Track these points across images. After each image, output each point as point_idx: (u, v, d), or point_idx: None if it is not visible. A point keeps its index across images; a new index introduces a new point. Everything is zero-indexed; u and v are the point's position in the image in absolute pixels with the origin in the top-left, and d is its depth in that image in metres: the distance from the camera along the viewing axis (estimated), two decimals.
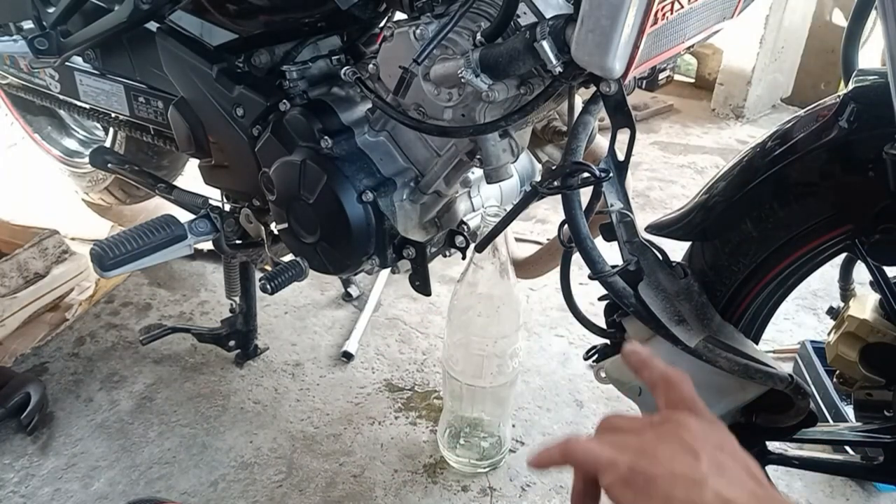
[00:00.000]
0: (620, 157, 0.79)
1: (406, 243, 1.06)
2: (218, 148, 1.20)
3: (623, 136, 0.77)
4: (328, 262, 1.08)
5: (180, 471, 1.27)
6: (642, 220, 0.82)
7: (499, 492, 1.25)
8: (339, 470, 1.29)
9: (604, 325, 0.90)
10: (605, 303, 0.88)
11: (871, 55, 2.08)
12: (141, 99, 1.31)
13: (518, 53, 0.77)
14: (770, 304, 0.87)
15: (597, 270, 0.75)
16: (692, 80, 3.08)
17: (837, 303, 1.12)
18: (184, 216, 1.25)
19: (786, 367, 0.75)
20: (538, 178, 1.06)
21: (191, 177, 1.73)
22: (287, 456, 1.31)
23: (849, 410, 1.24)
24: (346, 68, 0.98)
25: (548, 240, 1.39)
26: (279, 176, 1.06)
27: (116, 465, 1.28)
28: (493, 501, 1.24)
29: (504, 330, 1.15)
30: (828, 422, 1.26)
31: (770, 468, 0.96)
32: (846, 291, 1.10)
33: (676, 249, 0.86)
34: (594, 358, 0.89)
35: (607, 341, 0.90)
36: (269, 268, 1.20)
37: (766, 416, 0.79)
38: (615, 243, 0.80)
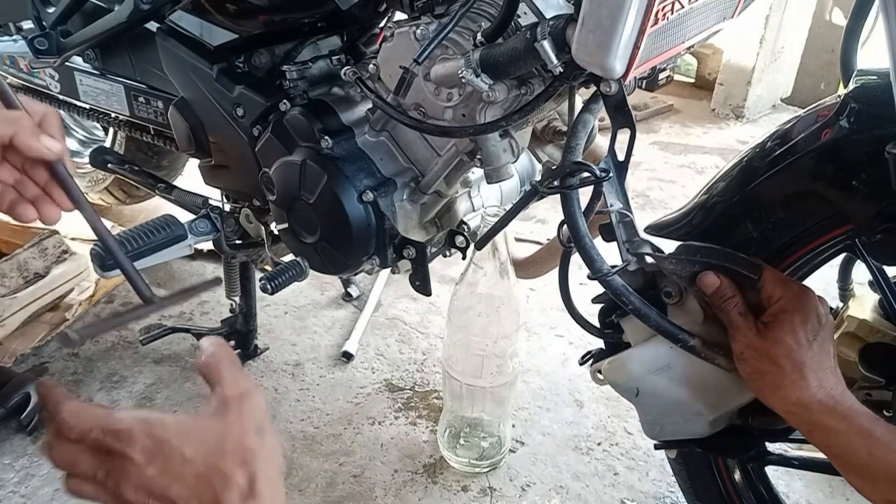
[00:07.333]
0: (620, 157, 0.79)
1: (406, 243, 1.06)
2: (218, 148, 1.20)
3: (623, 136, 0.77)
4: (328, 262, 1.08)
5: None
6: (642, 220, 0.82)
7: (499, 492, 1.25)
8: (339, 470, 1.29)
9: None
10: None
11: (870, 54, 2.08)
12: (141, 99, 1.31)
13: (519, 53, 0.77)
14: None
15: (596, 270, 0.75)
16: (692, 80, 3.08)
17: (837, 303, 1.12)
18: (184, 216, 1.25)
19: None
20: (538, 178, 1.05)
21: (191, 177, 1.72)
22: (287, 456, 1.31)
23: None
24: (346, 68, 0.99)
25: (548, 240, 1.39)
26: (279, 176, 1.06)
27: None
28: (493, 501, 1.24)
29: (504, 330, 1.15)
30: None
31: (770, 468, 0.96)
32: (845, 291, 1.10)
33: None
34: (590, 362, 0.89)
35: (603, 343, 0.90)
36: (269, 268, 1.20)
37: (762, 418, 0.79)
38: (615, 243, 0.79)
